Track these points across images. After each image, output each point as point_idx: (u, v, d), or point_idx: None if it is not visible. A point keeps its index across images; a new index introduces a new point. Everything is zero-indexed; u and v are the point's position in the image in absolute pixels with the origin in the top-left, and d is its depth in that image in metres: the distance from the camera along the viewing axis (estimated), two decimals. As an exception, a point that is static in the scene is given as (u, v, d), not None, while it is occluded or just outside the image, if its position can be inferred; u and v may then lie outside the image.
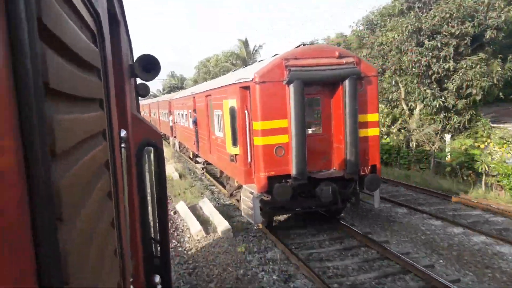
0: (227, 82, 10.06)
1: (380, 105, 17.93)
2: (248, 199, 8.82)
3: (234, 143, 9.37)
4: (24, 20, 0.50)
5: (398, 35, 18.87)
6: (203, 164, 16.42)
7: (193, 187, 14.62)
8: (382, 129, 20.68)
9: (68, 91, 0.74)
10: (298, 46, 8.92)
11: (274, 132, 8.17)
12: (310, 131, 8.67)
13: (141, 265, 1.85)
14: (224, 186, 13.47)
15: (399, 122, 21.28)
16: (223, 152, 10.70)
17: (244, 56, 38.03)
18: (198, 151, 15.63)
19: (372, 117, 8.87)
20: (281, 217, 10.61)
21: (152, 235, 2.05)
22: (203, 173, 17.00)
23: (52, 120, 0.60)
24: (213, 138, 12.23)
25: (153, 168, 2.03)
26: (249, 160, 8.78)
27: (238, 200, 10.94)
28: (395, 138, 20.52)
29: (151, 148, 1.97)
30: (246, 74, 8.82)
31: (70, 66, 0.78)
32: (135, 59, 2.08)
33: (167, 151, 22.35)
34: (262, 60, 11.07)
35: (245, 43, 39.00)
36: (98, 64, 1.13)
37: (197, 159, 17.18)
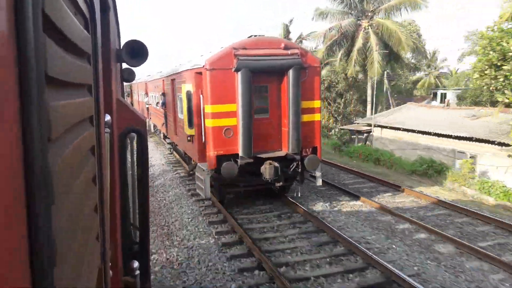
0: (185, 68, 10.77)
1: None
2: (201, 176, 9.67)
3: (190, 124, 10.16)
4: (30, 13, 0.50)
5: None
6: (171, 145, 17.17)
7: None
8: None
9: (62, 78, 0.74)
10: (249, 37, 9.67)
11: (224, 115, 9.00)
12: (258, 115, 9.52)
13: (120, 251, 1.82)
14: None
15: None
16: (183, 133, 11.47)
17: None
18: (166, 132, 16.33)
19: (316, 103, 9.80)
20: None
21: (132, 221, 2.04)
22: (171, 153, 17.75)
23: (49, 106, 0.61)
24: (177, 120, 12.95)
25: (135, 154, 2.02)
26: (203, 140, 9.60)
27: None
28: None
29: (134, 134, 1.94)
30: (200, 60, 9.56)
31: (65, 53, 0.78)
32: (122, 44, 2.05)
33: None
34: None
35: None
36: (89, 50, 1.12)
37: (166, 140, 17.91)
